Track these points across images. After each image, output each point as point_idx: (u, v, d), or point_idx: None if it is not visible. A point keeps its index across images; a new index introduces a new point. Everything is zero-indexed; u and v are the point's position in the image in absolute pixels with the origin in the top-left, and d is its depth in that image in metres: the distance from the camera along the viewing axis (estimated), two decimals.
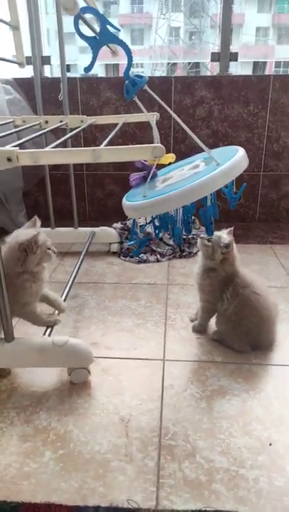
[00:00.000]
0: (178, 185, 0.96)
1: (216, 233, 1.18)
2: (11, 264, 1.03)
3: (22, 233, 1.07)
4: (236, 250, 1.20)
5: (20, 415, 0.98)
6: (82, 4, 0.89)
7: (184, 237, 1.90)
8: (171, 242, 1.89)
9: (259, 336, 1.20)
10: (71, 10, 0.79)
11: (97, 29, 0.88)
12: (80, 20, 0.94)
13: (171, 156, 1.09)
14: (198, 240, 1.21)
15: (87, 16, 1.01)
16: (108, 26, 0.85)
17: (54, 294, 1.19)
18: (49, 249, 1.10)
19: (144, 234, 1.91)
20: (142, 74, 0.92)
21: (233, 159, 0.96)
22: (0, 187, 1.95)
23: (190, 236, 1.91)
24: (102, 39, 0.87)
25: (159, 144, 0.92)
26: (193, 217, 1.11)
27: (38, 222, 1.11)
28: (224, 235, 1.19)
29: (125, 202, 1.02)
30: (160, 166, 1.14)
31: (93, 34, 0.94)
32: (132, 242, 1.25)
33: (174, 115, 1.03)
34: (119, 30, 0.88)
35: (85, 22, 0.99)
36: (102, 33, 0.86)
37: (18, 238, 1.05)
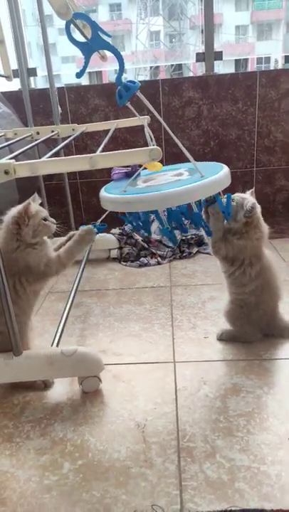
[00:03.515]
0: (159, 188, 0.98)
1: (240, 194, 1.15)
2: (10, 243, 1.01)
3: (15, 208, 1.05)
4: (263, 223, 1.16)
5: (36, 428, 0.97)
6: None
7: (184, 238, 1.90)
8: (170, 244, 1.89)
9: (272, 320, 1.21)
10: (64, 15, 0.79)
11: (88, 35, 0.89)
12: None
13: (159, 165, 1.10)
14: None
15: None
16: (99, 33, 0.86)
17: None
18: (46, 220, 1.05)
19: (124, 234, 1.91)
20: (134, 80, 0.92)
21: (217, 175, 0.99)
22: None
23: (189, 236, 1.91)
24: (94, 45, 0.88)
25: (156, 147, 0.92)
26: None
27: (38, 199, 1.08)
28: (249, 197, 1.14)
29: (104, 193, 1.03)
30: None
31: (83, 40, 0.94)
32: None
33: (165, 125, 1.04)
34: (110, 36, 0.89)
35: (77, 27, 1.00)
36: (94, 39, 0.87)
37: (11, 213, 1.03)
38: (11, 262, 1.01)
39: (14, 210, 1.04)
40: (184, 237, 1.90)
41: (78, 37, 1.04)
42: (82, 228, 1.07)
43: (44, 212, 1.06)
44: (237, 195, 1.15)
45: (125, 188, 1.00)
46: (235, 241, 1.14)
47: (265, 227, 1.17)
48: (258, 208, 1.14)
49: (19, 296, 1.05)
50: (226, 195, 1.10)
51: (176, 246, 1.87)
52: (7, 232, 1.02)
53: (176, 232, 1.21)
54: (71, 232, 1.14)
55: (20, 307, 1.06)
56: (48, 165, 0.94)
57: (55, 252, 1.08)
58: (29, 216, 1.01)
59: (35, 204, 1.05)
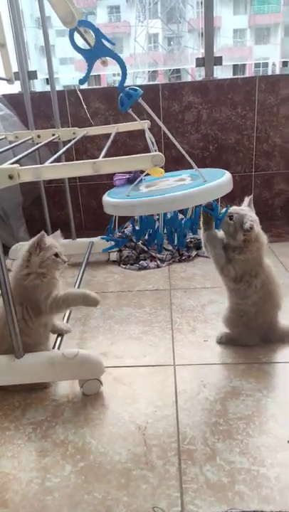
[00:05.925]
0: (162, 192, 0.99)
1: (238, 210, 1.13)
2: (21, 269, 1.07)
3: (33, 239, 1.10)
4: (262, 233, 1.15)
5: (37, 430, 0.98)
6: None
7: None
8: (170, 247, 1.90)
9: (271, 328, 1.22)
10: (70, 23, 0.80)
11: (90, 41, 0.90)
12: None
13: (160, 171, 1.11)
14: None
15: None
16: (103, 40, 0.87)
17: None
18: (57, 256, 1.09)
19: (123, 236, 1.92)
20: (135, 87, 0.94)
21: (220, 180, 1.01)
22: (0, 204, 1.95)
23: (188, 240, 1.93)
24: (97, 52, 0.89)
25: (158, 153, 0.93)
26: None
27: (59, 236, 1.16)
28: (248, 215, 1.11)
29: (107, 198, 1.05)
30: None
31: (83, 43, 0.96)
32: (106, 237, 1.21)
33: (167, 131, 1.05)
34: (114, 44, 0.90)
35: (81, 35, 1.01)
36: (98, 47, 0.88)
37: (29, 243, 1.09)
38: (20, 288, 1.06)
39: (31, 240, 1.08)
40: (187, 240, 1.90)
41: (78, 41, 1.05)
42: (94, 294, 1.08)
43: (58, 249, 1.11)
44: (235, 211, 1.13)
45: (128, 193, 1.01)
46: (237, 256, 1.14)
47: (263, 237, 1.16)
48: (257, 221, 1.13)
49: (29, 326, 1.08)
50: (225, 207, 1.11)
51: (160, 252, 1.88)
52: (22, 259, 1.08)
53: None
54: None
55: (32, 338, 1.09)
56: (52, 170, 0.95)
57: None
58: (41, 247, 1.07)
59: (50, 238, 1.11)
